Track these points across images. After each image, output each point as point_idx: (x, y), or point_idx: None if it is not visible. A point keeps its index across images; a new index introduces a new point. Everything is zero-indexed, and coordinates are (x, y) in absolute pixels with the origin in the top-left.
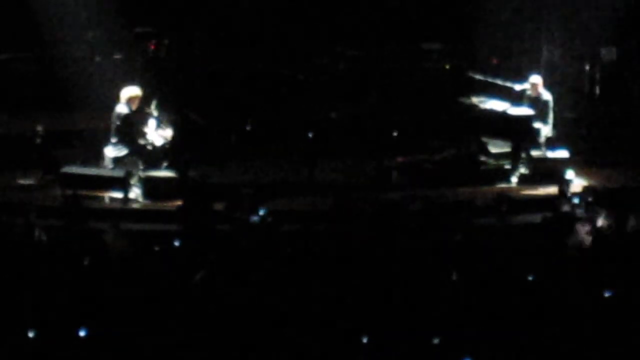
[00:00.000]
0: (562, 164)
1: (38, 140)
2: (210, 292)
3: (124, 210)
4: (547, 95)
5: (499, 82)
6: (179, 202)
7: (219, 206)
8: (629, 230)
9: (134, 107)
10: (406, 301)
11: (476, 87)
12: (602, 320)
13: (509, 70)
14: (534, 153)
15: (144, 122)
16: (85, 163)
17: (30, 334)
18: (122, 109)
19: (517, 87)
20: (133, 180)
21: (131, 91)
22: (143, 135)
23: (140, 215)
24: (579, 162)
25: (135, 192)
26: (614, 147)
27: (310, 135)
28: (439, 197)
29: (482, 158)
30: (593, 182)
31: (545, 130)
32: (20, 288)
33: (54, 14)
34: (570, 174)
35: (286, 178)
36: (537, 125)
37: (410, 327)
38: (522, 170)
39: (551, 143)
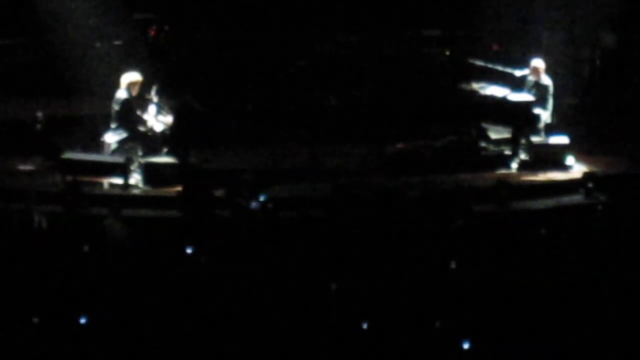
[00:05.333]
0: (562, 150)
1: (38, 127)
2: (211, 277)
3: (124, 197)
4: (547, 81)
5: (499, 68)
6: (179, 188)
7: (219, 192)
8: None
9: (134, 93)
10: (406, 286)
11: (476, 73)
12: (601, 305)
13: (509, 56)
14: (534, 139)
15: (144, 108)
16: (85, 149)
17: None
18: (122, 94)
19: (518, 73)
20: (133, 167)
21: (131, 77)
22: (143, 121)
23: (140, 201)
24: (579, 148)
25: (135, 178)
26: (614, 133)
27: (310, 121)
28: (439, 183)
29: (482, 144)
30: (593, 168)
31: (545, 116)
32: (20, 274)
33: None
34: (570, 160)
35: (286, 164)
36: (537, 111)
37: (411, 312)
38: (522, 156)
39: (551, 129)
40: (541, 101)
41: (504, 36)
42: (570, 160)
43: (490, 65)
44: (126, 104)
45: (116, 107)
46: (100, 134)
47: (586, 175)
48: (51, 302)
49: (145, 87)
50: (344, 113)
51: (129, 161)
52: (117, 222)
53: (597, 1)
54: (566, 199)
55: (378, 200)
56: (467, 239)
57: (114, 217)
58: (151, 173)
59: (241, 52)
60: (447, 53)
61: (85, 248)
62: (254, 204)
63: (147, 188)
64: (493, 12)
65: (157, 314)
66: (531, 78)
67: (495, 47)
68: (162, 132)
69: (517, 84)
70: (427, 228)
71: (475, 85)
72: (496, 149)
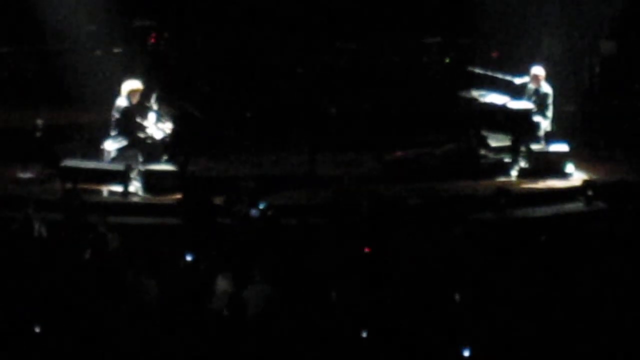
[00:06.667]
0: (561, 157)
1: (38, 134)
2: (211, 285)
3: (123, 204)
4: (547, 88)
5: (499, 75)
6: (179, 196)
7: (218, 200)
8: None
9: (134, 101)
10: (406, 294)
11: (476, 80)
12: (602, 312)
13: (509, 63)
14: (534, 147)
15: (143, 115)
16: (85, 157)
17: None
18: (122, 102)
19: (517, 80)
20: (133, 174)
21: (132, 84)
22: (143, 128)
23: (140, 208)
24: (579, 155)
25: (135, 186)
26: (614, 140)
27: (309, 129)
28: (439, 191)
29: (482, 152)
30: (593, 176)
31: (545, 123)
32: (20, 282)
33: (53, 7)
34: (570, 168)
35: (286, 172)
36: (536, 118)
37: (411, 320)
38: (522, 164)
39: (551, 137)
40: (541, 109)
41: (504, 43)
42: (570, 167)
43: (490, 73)
44: (126, 111)
45: (116, 115)
46: (100, 141)
47: (586, 183)
48: (52, 309)
49: (145, 94)
50: (344, 121)
51: (129, 169)
52: (108, 230)
53: (596, 9)
54: (566, 207)
55: (378, 208)
56: (467, 246)
57: (102, 226)
58: (151, 180)
59: (241, 60)
60: (447, 60)
61: (86, 255)
62: (253, 212)
63: (147, 195)
64: (493, 20)
65: (156, 319)
66: (531, 86)
67: (495, 55)
68: (162, 140)
69: (517, 92)
70: (427, 235)
71: (475, 93)
72: (496, 156)
